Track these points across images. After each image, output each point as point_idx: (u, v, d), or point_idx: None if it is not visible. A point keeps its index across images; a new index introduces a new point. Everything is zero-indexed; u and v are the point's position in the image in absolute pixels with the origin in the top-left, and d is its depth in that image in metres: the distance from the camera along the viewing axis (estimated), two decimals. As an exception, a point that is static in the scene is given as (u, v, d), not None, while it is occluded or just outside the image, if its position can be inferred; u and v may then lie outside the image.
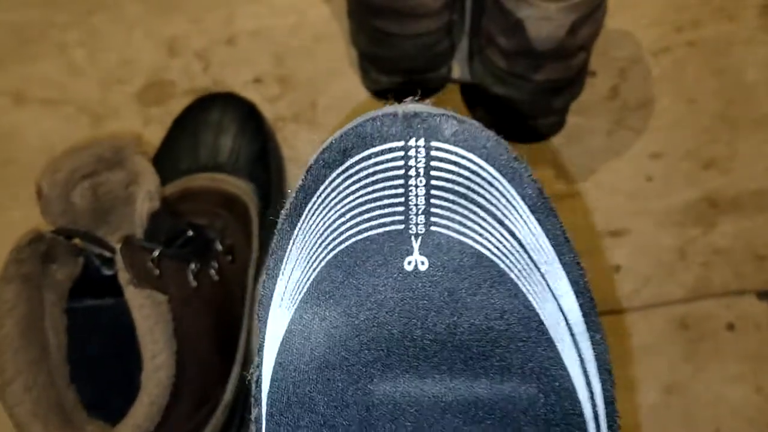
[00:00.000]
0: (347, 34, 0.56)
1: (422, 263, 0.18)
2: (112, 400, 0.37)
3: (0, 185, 0.56)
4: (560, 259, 0.18)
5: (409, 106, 0.18)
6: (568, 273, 0.18)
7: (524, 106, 0.52)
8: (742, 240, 0.53)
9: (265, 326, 0.19)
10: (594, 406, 0.19)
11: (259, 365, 0.19)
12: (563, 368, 0.18)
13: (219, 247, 0.43)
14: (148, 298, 0.34)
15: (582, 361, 0.18)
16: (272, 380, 0.19)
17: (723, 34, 0.58)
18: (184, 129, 0.52)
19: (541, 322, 0.18)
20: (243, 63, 0.58)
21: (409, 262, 0.18)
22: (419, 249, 0.18)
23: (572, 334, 0.18)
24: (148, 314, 0.33)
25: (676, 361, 0.51)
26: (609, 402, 0.19)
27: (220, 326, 0.41)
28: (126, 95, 0.58)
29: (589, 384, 0.18)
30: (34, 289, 0.35)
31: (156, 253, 0.35)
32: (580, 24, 0.45)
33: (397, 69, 0.54)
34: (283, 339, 0.19)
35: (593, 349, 0.19)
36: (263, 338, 0.19)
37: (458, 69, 0.57)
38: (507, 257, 0.18)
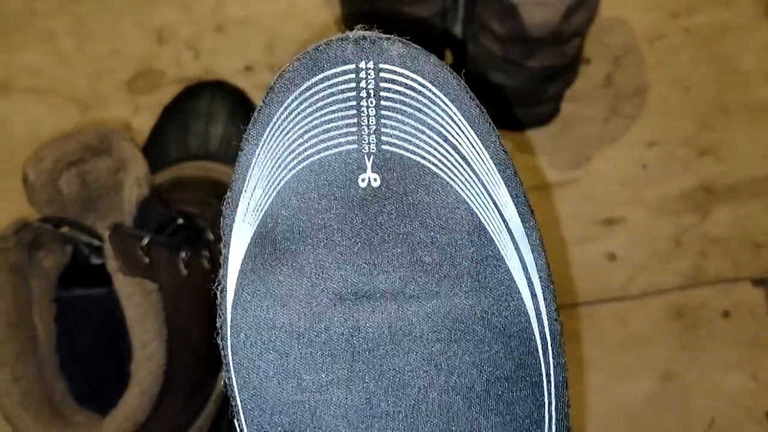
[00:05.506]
0: (338, 20, 0.56)
1: (375, 180, 0.20)
2: (103, 390, 0.36)
3: (-13, 176, 0.55)
4: (500, 172, 0.20)
5: (359, 32, 0.20)
6: (507, 184, 0.20)
7: (518, 93, 0.51)
8: (738, 227, 0.53)
9: (230, 239, 0.20)
10: (537, 305, 0.20)
11: (224, 276, 0.21)
12: (508, 273, 0.20)
13: (210, 236, 0.43)
14: (137, 286, 0.33)
15: (524, 265, 0.20)
16: (236, 289, 0.21)
17: (718, 20, 0.57)
18: (173, 118, 0.51)
19: (485, 230, 0.20)
20: (233, 51, 0.57)
21: (363, 179, 0.20)
22: (371, 167, 0.20)
23: (514, 241, 0.20)
24: (138, 303, 0.33)
25: (671, 350, 0.51)
26: (549, 301, 0.20)
27: (212, 315, 0.41)
28: (115, 84, 0.57)
29: (531, 286, 0.20)
30: (21, 279, 0.35)
31: (145, 240, 0.35)
32: (575, 9, 0.44)
33: (389, 56, 0.53)
34: (246, 250, 0.20)
35: (532, 253, 0.20)
36: (228, 251, 0.21)
37: (452, 56, 0.56)
38: (451, 170, 0.20)
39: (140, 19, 0.59)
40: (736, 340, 0.50)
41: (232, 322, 0.21)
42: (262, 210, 0.20)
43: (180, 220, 0.39)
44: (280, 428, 0.20)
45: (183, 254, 0.38)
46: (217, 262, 0.43)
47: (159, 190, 0.44)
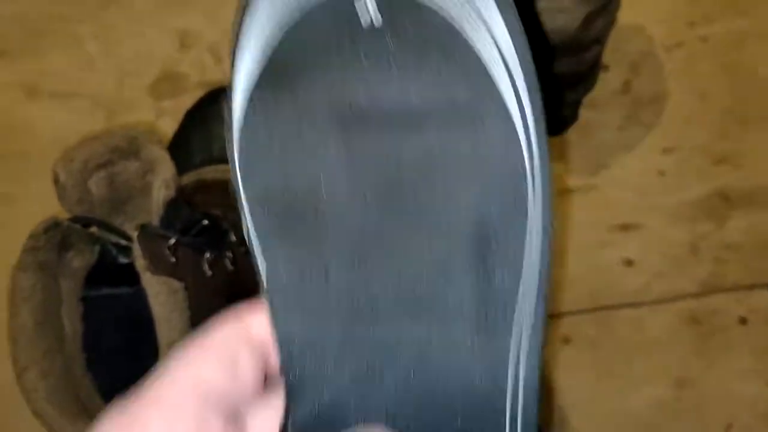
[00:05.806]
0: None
1: (377, 19, 0.20)
2: (128, 387, 0.37)
3: (14, 178, 0.56)
4: (497, 3, 0.20)
5: None
6: (503, 14, 0.20)
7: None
8: (754, 234, 0.53)
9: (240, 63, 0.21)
10: (528, 141, 0.20)
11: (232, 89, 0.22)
12: (502, 100, 0.20)
13: (233, 237, 0.43)
14: (164, 285, 0.34)
15: (518, 96, 0.20)
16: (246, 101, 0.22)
17: (735, 29, 0.58)
18: (196, 122, 0.52)
19: (481, 61, 0.20)
20: (255, 57, 0.58)
21: (366, 20, 0.20)
22: (375, 6, 0.20)
23: (509, 71, 0.20)
24: (165, 301, 0.33)
25: (687, 356, 0.51)
26: (540, 134, 0.20)
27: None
28: (139, 88, 0.58)
29: (524, 117, 0.20)
30: (50, 277, 0.35)
31: (172, 240, 0.36)
32: (594, 16, 0.45)
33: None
34: (260, 73, 0.21)
35: (526, 85, 0.20)
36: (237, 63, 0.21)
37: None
38: (451, 3, 0.20)
39: (164, 24, 0.60)
40: (752, 346, 0.51)
41: (242, 123, 0.22)
42: (271, 46, 0.21)
43: (205, 222, 0.40)
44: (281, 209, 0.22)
45: (207, 255, 0.39)
46: (239, 264, 0.44)
47: (184, 191, 0.45)
